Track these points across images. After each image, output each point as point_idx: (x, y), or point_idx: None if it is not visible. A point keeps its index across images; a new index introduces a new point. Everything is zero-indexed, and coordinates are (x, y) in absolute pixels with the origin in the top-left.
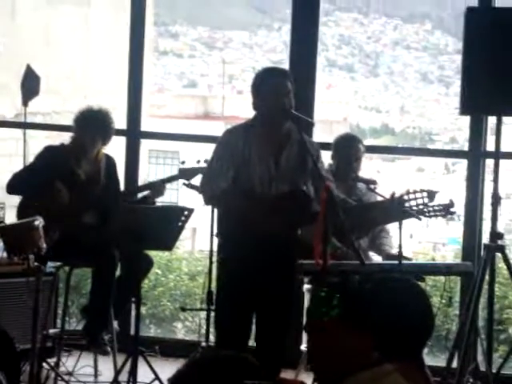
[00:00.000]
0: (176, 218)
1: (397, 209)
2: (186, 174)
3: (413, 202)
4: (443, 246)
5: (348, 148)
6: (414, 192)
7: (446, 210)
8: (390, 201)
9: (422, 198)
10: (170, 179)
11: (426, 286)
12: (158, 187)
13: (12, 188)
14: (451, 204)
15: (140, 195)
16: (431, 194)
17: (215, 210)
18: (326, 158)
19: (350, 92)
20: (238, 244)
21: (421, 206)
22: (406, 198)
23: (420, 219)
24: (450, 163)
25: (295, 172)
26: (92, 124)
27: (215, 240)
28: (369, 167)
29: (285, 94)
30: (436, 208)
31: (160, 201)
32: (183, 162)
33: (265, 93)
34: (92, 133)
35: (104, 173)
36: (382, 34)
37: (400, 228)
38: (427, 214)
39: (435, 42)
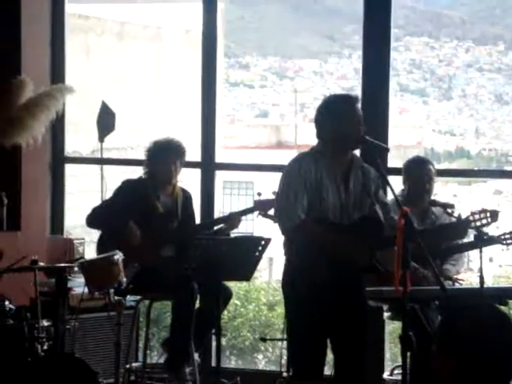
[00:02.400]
0: (253, 248)
1: (463, 230)
2: (261, 205)
3: (478, 223)
4: None
5: (419, 171)
6: (479, 212)
7: None
8: (456, 222)
9: (486, 218)
10: (246, 212)
11: (509, 310)
12: (233, 220)
13: (91, 222)
14: None
15: (215, 228)
16: (494, 214)
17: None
18: (400, 183)
19: (423, 116)
20: (313, 272)
21: (485, 226)
22: (471, 218)
23: (503, 243)
24: None
25: (362, 197)
26: (169, 152)
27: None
28: (445, 191)
29: (359, 120)
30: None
31: (236, 231)
32: (259, 194)
33: (338, 119)
34: (171, 160)
35: (181, 206)
36: (454, 57)
37: (480, 251)
38: (504, 242)
39: (509, 63)
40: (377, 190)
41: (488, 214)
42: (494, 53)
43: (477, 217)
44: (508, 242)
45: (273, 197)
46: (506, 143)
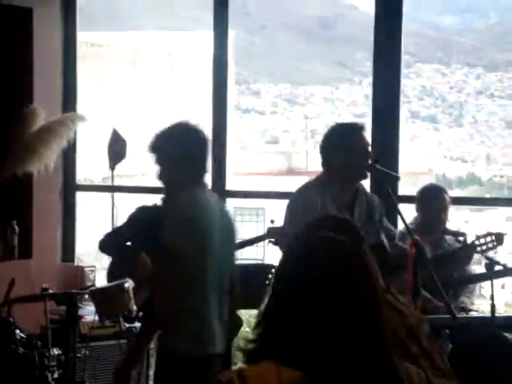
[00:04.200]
0: (263, 275)
1: (467, 255)
2: (274, 233)
3: (483, 247)
4: None
5: (434, 200)
6: (483, 236)
7: None
8: (460, 247)
9: (492, 241)
10: (259, 239)
11: None
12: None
13: (103, 248)
14: None
15: None
16: (499, 237)
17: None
18: (413, 211)
19: (434, 143)
20: None
21: (491, 250)
22: (476, 242)
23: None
24: None
25: (367, 226)
26: None
27: None
28: (457, 217)
29: (367, 148)
30: None
31: (247, 257)
32: (272, 221)
33: (347, 148)
34: None
35: None
36: (465, 84)
37: (491, 279)
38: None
39: None
40: (381, 217)
41: (493, 238)
42: (505, 79)
43: (482, 241)
44: None
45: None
46: None
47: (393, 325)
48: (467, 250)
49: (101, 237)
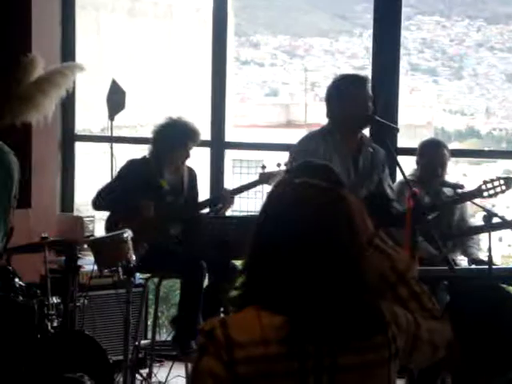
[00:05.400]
0: None
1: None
2: (266, 178)
3: (491, 191)
4: None
5: (433, 154)
6: (491, 181)
7: None
8: (469, 193)
9: (500, 185)
10: (251, 185)
11: None
12: (225, 197)
13: (97, 205)
14: None
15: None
16: (508, 181)
17: None
18: (411, 163)
19: (434, 95)
20: None
21: (499, 194)
22: (483, 187)
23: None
24: None
25: (371, 176)
26: (187, 138)
27: None
28: (455, 171)
29: (367, 100)
30: None
31: (244, 209)
32: (264, 167)
33: (347, 100)
34: (188, 147)
35: (187, 184)
36: (466, 36)
37: (490, 231)
38: None
39: None
40: (383, 171)
41: (502, 182)
42: (506, 32)
43: (489, 185)
44: None
45: (278, 169)
46: None
47: (381, 269)
48: (474, 195)
49: (93, 195)
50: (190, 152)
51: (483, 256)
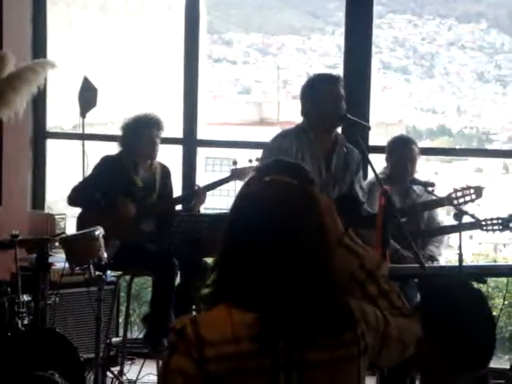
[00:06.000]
0: None
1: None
2: (238, 174)
3: (461, 200)
4: (504, 246)
5: (402, 150)
6: (462, 189)
7: (505, 225)
8: (437, 199)
9: (470, 194)
10: (223, 181)
11: (487, 288)
12: (199, 194)
13: (72, 201)
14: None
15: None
16: (478, 191)
17: None
18: (383, 161)
19: (406, 94)
20: None
21: (469, 203)
22: (453, 195)
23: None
24: (508, 163)
25: (343, 176)
26: (151, 126)
27: None
28: (426, 169)
29: (340, 99)
30: (494, 222)
31: (216, 207)
32: (235, 163)
33: (319, 98)
34: (154, 134)
35: (159, 180)
36: (437, 35)
37: (461, 231)
38: (485, 228)
39: (491, 41)
40: (357, 172)
41: (472, 191)
42: (477, 31)
43: (459, 194)
44: (489, 228)
45: (249, 165)
46: (487, 121)
47: (351, 267)
48: (443, 203)
49: (69, 191)
50: (158, 142)
51: (440, 255)
